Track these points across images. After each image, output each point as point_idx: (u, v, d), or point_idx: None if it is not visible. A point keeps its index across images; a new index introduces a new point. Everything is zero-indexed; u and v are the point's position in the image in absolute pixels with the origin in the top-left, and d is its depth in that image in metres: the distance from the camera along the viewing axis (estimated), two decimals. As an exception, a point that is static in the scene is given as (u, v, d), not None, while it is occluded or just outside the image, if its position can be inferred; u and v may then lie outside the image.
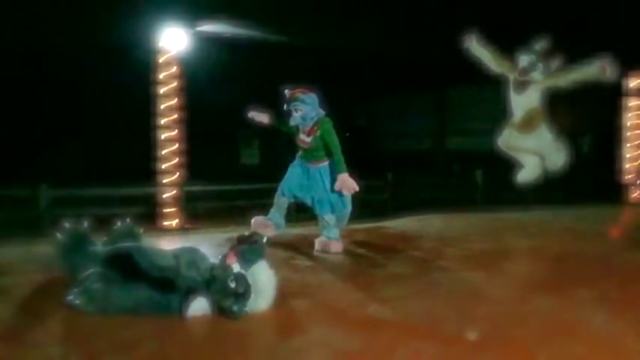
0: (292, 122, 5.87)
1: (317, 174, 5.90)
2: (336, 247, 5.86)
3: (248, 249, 3.75)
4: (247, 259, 3.70)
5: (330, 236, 5.88)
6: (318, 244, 5.92)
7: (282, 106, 5.92)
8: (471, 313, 3.78)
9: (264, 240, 3.91)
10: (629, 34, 10.73)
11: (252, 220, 6.03)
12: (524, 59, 7.02)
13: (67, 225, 4.15)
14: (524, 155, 7.13)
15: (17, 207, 8.01)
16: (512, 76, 7.13)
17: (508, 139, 7.12)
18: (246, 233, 3.99)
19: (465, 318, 3.67)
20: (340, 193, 5.81)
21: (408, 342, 3.25)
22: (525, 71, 6.92)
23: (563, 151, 6.88)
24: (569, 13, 10.66)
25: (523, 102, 6.98)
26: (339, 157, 5.77)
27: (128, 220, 4.57)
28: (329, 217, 5.87)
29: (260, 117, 6.18)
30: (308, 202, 6.01)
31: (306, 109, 5.78)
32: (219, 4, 8.53)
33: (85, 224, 4.20)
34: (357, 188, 5.69)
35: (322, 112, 5.90)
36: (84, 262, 3.92)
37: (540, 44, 7.00)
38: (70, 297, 3.76)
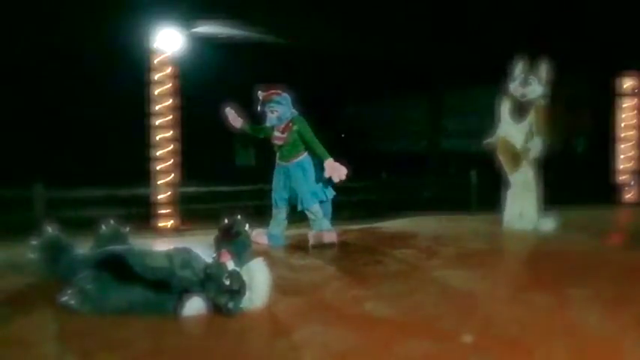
0: (268, 123, 6.04)
1: (297, 169, 5.97)
2: (330, 236, 5.89)
3: (235, 244, 3.77)
4: (238, 254, 3.72)
5: (322, 227, 5.90)
6: (311, 238, 5.94)
7: (257, 108, 6.06)
8: (465, 311, 3.79)
9: (247, 227, 3.91)
10: (623, 35, 10.80)
11: (253, 233, 6.02)
12: (514, 83, 6.90)
13: (36, 241, 4.06)
14: (513, 197, 6.91)
15: (12, 208, 7.97)
16: (510, 103, 6.91)
17: (524, 176, 6.86)
18: (226, 221, 3.97)
19: (460, 316, 3.68)
20: (322, 184, 5.90)
21: (404, 339, 3.26)
22: (523, 85, 6.79)
23: (552, 218, 6.72)
24: (566, 14, 10.72)
25: (520, 132, 6.80)
26: (320, 147, 5.88)
27: (112, 222, 4.50)
28: (315, 209, 5.91)
29: (234, 119, 6.22)
30: (295, 199, 6.05)
31: (281, 110, 5.95)
32: (215, 5, 8.55)
33: (53, 230, 4.10)
34: (346, 171, 5.71)
35: (295, 112, 6.04)
36: (70, 266, 3.89)
37: (519, 67, 6.90)
38: (65, 298, 3.75)
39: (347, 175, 5.76)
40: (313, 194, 5.93)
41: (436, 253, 5.74)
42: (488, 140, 7.15)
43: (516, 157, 6.79)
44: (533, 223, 6.61)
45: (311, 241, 5.92)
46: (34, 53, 12.11)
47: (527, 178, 6.73)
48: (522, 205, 6.70)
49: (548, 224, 6.57)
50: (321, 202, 6.02)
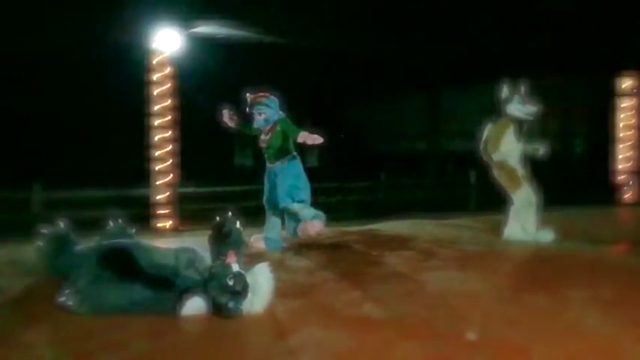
0: (256, 125, 6.07)
1: (282, 170, 5.99)
2: (313, 227, 5.80)
3: (228, 244, 3.77)
4: (237, 252, 3.75)
5: (306, 218, 5.84)
6: (299, 233, 5.93)
7: (246, 109, 6.10)
8: (463, 313, 3.80)
9: (237, 225, 3.90)
10: (620, 35, 10.80)
11: (251, 239, 5.99)
12: (513, 103, 6.87)
13: (45, 231, 4.10)
14: (515, 214, 6.95)
15: (10, 209, 7.98)
16: (513, 125, 6.89)
17: (526, 192, 6.89)
18: (217, 219, 3.97)
19: (458, 318, 3.69)
20: (300, 185, 5.91)
21: (402, 342, 3.26)
22: (531, 103, 6.80)
23: (550, 230, 6.78)
24: (560, 14, 10.71)
25: (519, 153, 6.85)
26: (301, 131, 5.86)
27: (120, 220, 4.55)
28: (294, 207, 5.88)
29: (229, 119, 6.25)
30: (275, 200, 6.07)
31: (269, 113, 5.97)
32: (213, 5, 8.54)
33: (64, 226, 4.15)
34: (320, 138, 5.69)
35: (283, 114, 6.05)
36: (71, 262, 3.90)
37: (506, 88, 6.91)
38: (62, 298, 3.75)
39: (322, 143, 5.73)
40: (288, 195, 5.91)
41: (434, 254, 5.75)
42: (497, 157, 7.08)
43: (518, 178, 6.82)
44: (532, 235, 6.65)
45: (300, 235, 5.95)
46: (32, 53, 12.08)
47: (528, 194, 6.77)
48: (524, 221, 6.74)
49: (547, 236, 6.61)
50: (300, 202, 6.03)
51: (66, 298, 3.73)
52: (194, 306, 3.61)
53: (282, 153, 5.99)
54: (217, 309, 3.59)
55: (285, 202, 5.88)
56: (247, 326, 3.56)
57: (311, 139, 5.68)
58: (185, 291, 3.63)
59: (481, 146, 7.03)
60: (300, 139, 5.77)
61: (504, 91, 6.82)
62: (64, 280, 3.87)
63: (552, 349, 3.17)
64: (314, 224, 5.79)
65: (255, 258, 4.53)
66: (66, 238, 4.10)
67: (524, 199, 6.74)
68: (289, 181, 5.92)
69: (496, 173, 6.93)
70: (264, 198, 6.17)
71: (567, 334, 3.40)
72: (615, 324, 3.57)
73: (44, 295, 3.96)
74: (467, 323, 3.55)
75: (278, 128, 5.96)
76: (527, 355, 3.10)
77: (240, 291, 3.58)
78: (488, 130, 6.95)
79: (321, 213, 5.92)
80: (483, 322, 3.60)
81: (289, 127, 5.94)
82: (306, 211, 5.84)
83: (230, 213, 4.00)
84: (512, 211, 6.81)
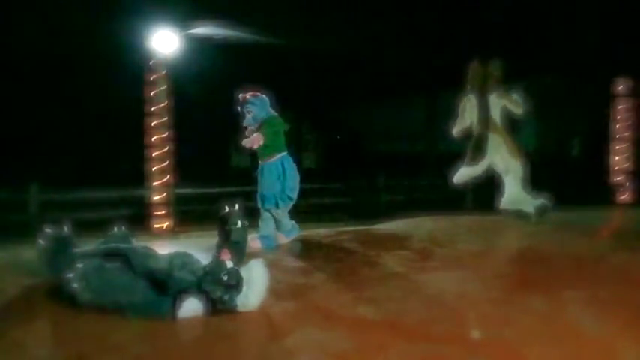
0: (245, 123, 6.14)
1: (269, 168, 6.04)
2: (285, 240, 6.14)
3: (228, 240, 3.79)
4: (235, 247, 3.76)
5: (280, 229, 6.11)
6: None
7: (238, 109, 6.18)
8: (460, 313, 3.80)
9: (240, 226, 3.92)
10: (619, 36, 10.84)
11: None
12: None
13: (48, 230, 4.12)
14: (510, 183, 7.38)
15: (7, 210, 7.96)
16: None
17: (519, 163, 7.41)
18: (226, 209, 3.99)
19: (455, 318, 3.69)
20: (287, 187, 5.99)
21: (398, 342, 3.26)
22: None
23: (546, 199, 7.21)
24: (559, 15, 10.75)
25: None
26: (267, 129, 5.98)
27: (124, 227, 4.56)
28: (276, 212, 6.02)
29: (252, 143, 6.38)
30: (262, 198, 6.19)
31: (255, 111, 6.04)
32: (211, 6, 8.54)
33: (66, 228, 4.17)
34: (255, 145, 5.89)
35: (274, 113, 6.13)
36: (70, 265, 3.91)
37: (496, 67, 7.34)
38: (70, 275, 3.75)
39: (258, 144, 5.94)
40: (274, 197, 5.98)
41: (431, 254, 5.75)
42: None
43: (516, 148, 7.24)
44: (529, 202, 7.04)
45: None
46: (30, 55, 12.08)
47: (520, 166, 7.24)
48: (517, 190, 7.16)
49: (546, 202, 6.98)
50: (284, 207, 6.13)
51: (72, 278, 3.74)
52: (190, 307, 3.62)
53: (270, 151, 6.04)
54: (213, 303, 3.60)
55: (269, 205, 6.02)
56: (244, 327, 3.56)
57: (250, 142, 5.90)
58: (181, 292, 3.63)
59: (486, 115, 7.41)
60: (245, 142, 5.99)
61: (495, 67, 7.21)
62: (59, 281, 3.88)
63: (549, 349, 3.17)
64: (284, 238, 6.16)
65: (250, 256, 4.52)
66: (66, 240, 4.13)
67: (518, 170, 7.17)
68: (276, 182, 5.98)
69: (499, 142, 7.33)
70: (257, 195, 6.20)
71: (564, 335, 3.41)
72: (612, 324, 3.58)
73: (43, 296, 3.96)
74: (463, 324, 3.55)
75: (264, 126, 6.02)
76: (524, 356, 3.11)
77: (234, 284, 3.60)
78: (495, 99, 7.37)
79: (295, 228, 6.23)
80: (480, 323, 3.61)
81: (269, 128, 6.00)
82: (283, 222, 6.08)
83: (236, 208, 4.03)
84: (507, 182, 7.26)
